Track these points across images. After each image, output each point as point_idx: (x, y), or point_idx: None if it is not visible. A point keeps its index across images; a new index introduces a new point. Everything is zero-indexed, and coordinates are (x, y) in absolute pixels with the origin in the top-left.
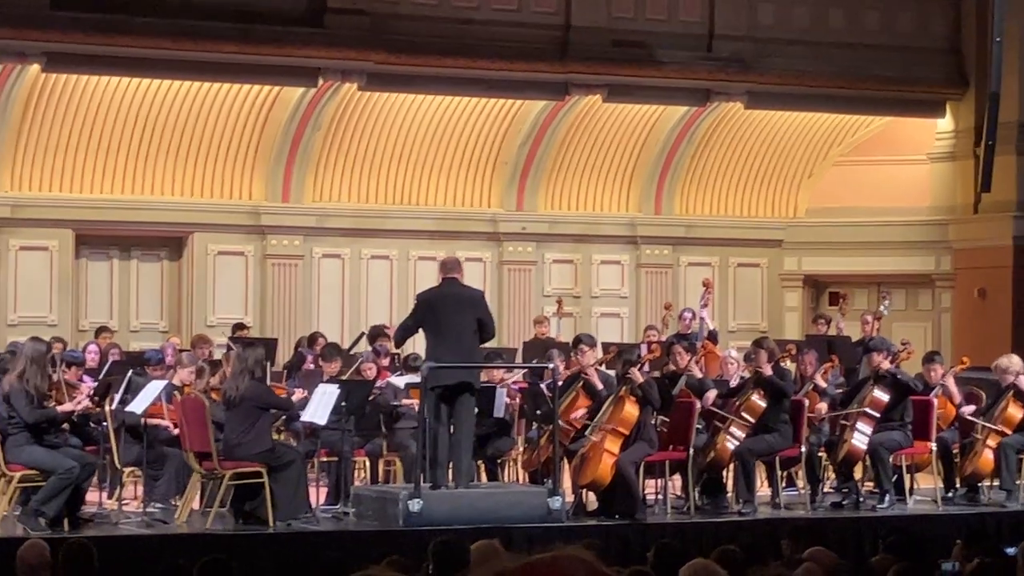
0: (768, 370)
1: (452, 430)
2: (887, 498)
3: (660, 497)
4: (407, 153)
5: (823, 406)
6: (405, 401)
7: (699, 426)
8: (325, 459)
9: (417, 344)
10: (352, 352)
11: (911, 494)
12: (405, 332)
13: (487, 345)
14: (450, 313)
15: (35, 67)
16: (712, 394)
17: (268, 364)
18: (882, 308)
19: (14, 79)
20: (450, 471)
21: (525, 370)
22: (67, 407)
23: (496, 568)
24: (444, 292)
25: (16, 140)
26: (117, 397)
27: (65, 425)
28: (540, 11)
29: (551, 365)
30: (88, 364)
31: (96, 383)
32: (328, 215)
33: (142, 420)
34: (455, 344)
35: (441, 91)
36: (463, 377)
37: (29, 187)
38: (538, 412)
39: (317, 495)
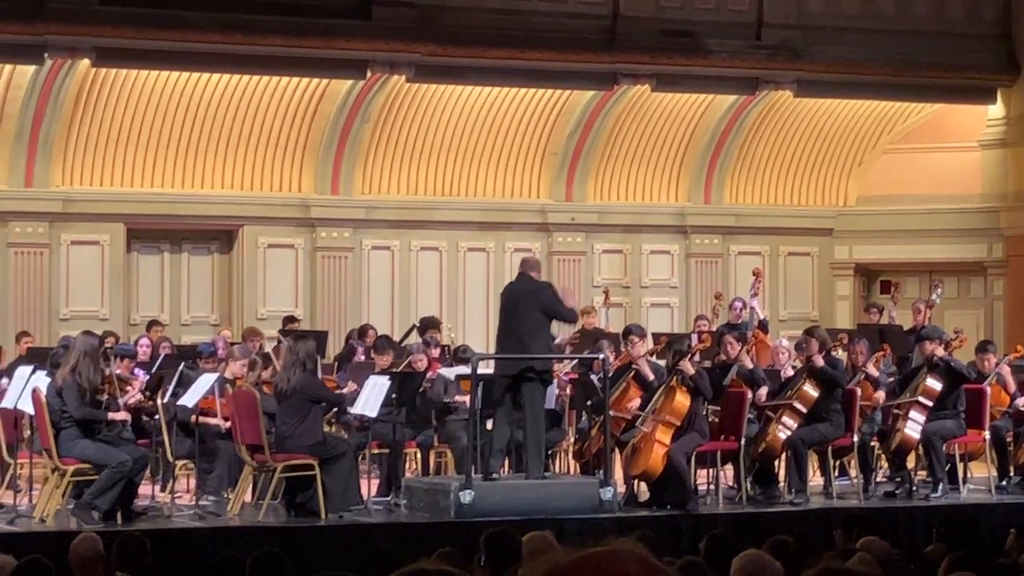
0: (820, 360)
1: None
2: (940, 487)
3: (712, 487)
4: (456, 144)
5: (880, 395)
6: (457, 397)
7: (751, 416)
8: (376, 451)
9: (467, 336)
10: (403, 344)
11: (964, 483)
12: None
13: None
14: (512, 307)
15: (85, 62)
16: (764, 391)
17: (319, 357)
18: (934, 296)
19: (64, 74)
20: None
21: (575, 361)
22: (117, 416)
23: (549, 561)
24: (511, 287)
25: (67, 135)
26: (169, 390)
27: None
28: (588, 1)
29: (601, 356)
30: (140, 358)
31: (148, 377)
32: (377, 207)
33: (193, 414)
34: (512, 337)
35: (489, 82)
36: (525, 367)
37: (80, 182)
38: (589, 403)
39: (369, 487)
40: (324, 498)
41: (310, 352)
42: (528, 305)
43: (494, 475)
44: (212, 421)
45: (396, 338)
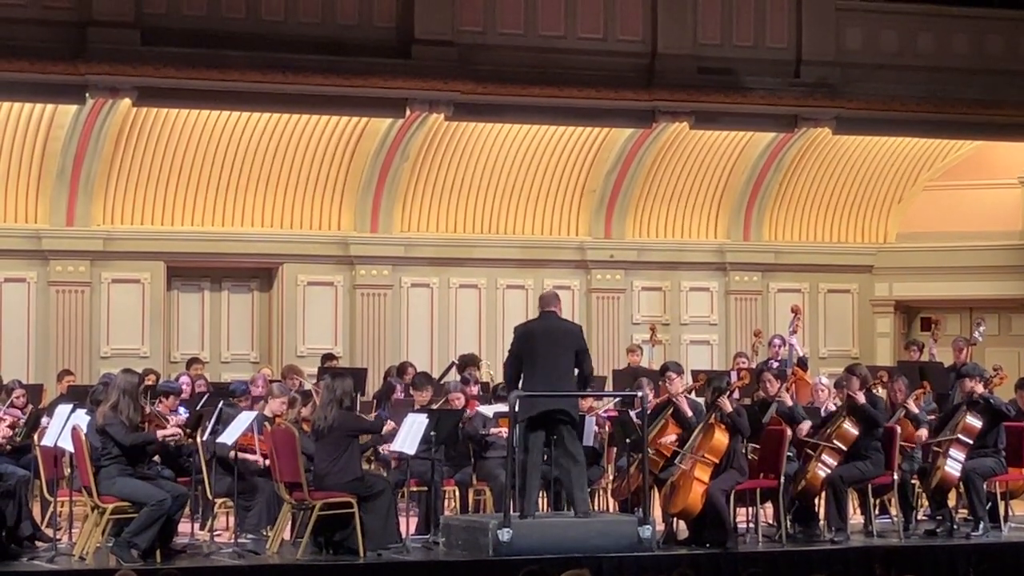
0: (860, 397)
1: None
2: (981, 525)
3: (751, 525)
4: (494, 182)
5: (923, 432)
6: (493, 430)
7: (790, 454)
8: (415, 489)
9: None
10: (443, 382)
11: (1006, 521)
12: (507, 371)
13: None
14: (546, 345)
15: (126, 101)
16: (806, 425)
17: (357, 394)
18: (976, 334)
19: (106, 114)
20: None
21: (615, 399)
22: (165, 432)
23: None
24: (542, 325)
25: (108, 174)
26: (208, 428)
27: (157, 457)
28: (626, 39)
29: (640, 393)
30: (183, 395)
31: (189, 414)
32: (416, 244)
33: (232, 452)
34: (550, 377)
35: (528, 120)
36: (559, 409)
37: (121, 220)
38: (628, 440)
39: (407, 525)
40: (363, 536)
41: (347, 390)
42: (565, 344)
43: (531, 514)
44: (251, 457)
45: (435, 375)
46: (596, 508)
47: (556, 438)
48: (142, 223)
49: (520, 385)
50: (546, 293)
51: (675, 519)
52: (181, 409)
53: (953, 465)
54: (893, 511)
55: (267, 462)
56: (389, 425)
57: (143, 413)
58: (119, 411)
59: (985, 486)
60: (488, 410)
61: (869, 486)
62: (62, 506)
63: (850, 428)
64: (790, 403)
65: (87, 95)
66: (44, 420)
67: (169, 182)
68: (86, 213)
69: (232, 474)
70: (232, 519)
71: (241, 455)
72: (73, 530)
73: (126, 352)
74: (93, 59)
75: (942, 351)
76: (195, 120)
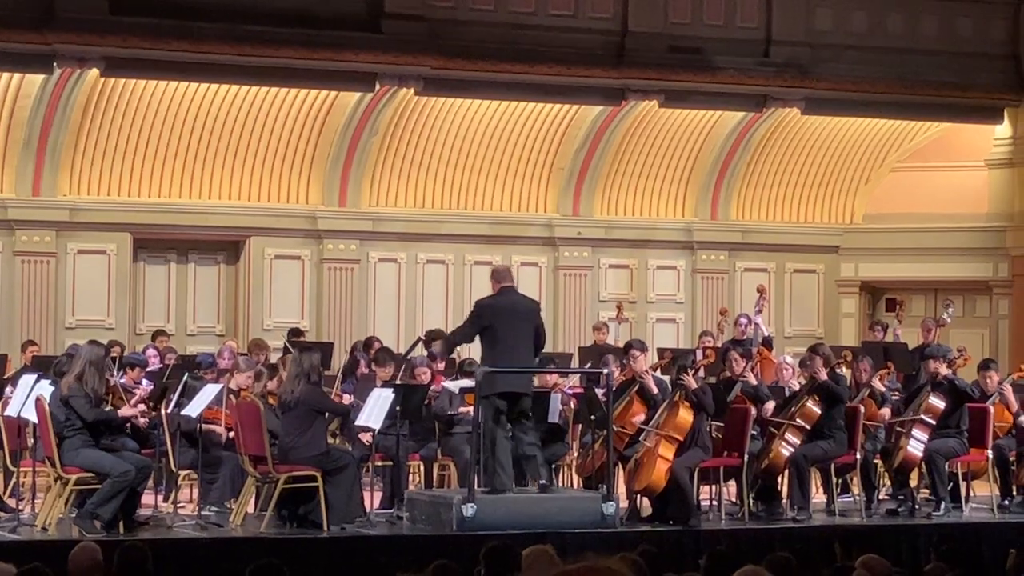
0: (824, 376)
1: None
2: (943, 506)
3: (714, 503)
4: (463, 158)
5: (887, 412)
6: (461, 409)
7: (754, 432)
8: (380, 463)
9: (473, 350)
10: (408, 357)
11: (967, 502)
12: (460, 340)
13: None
14: (510, 322)
15: (94, 72)
16: (771, 405)
17: (325, 368)
18: (945, 315)
19: (74, 83)
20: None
21: (580, 375)
22: (126, 412)
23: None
24: (506, 301)
25: (75, 144)
26: (173, 401)
27: (125, 425)
28: (597, 16)
29: (606, 370)
30: (149, 367)
31: (153, 387)
32: (384, 219)
33: (198, 424)
34: (512, 353)
35: (497, 96)
36: (522, 388)
37: (88, 191)
38: (592, 417)
39: (371, 499)
40: (327, 510)
41: (315, 364)
42: (529, 320)
43: (506, 489)
44: (217, 429)
45: (401, 351)
46: (560, 484)
47: (518, 413)
48: (109, 194)
49: (481, 361)
50: (501, 267)
51: (639, 496)
52: (145, 381)
53: (916, 445)
54: (855, 490)
55: (232, 435)
56: (347, 399)
57: (108, 385)
58: (84, 383)
59: (947, 466)
60: (454, 385)
61: (832, 465)
62: (25, 477)
63: (813, 407)
64: (755, 382)
65: (54, 65)
66: (8, 390)
67: (136, 153)
68: (52, 183)
69: (196, 447)
70: (196, 491)
71: (206, 426)
72: (36, 501)
73: (91, 323)
74: (61, 28)
75: (906, 332)
76: (163, 91)
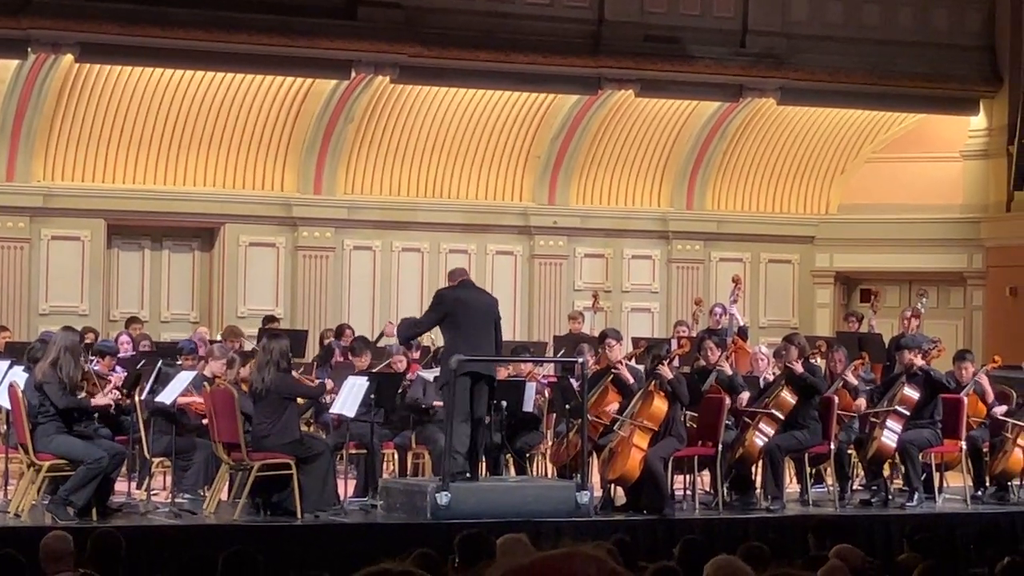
0: (798, 367)
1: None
2: (916, 496)
3: (688, 493)
4: (439, 146)
5: (861, 403)
6: (436, 404)
7: (728, 422)
8: (354, 451)
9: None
10: (381, 345)
11: (940, 492)
12: (421, 328)
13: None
14: (470, 312)
15: (69, 57)
16: (746, 396)
17: (293, 356)
18: (919, 306)
19: (48, 69)
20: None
21: (555, 364)
22: (99, 401)
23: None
24: (471, 295)
25: (49, 130)
26: (147, 388)
27: (96, 414)
28: (573, 5)
29: (581, 359)
30: (121, 354)
31: (126, 374)
32: (359, 207)
33: (173, 410)
34: (477, 343)
35: (474, 84)
36: (487, 372)
37: (62, 177)
38: (567, 406)
39: (345, 487)
40: (300, 498)
41: (284, 351)
42: (491, 314)
43: (468, 475)
44: (195, 401)
45: (373, 338)
46: (535, 473)
47: (478, 402)
48: (83, 180)
49: (445, 350)
50: (456, 268)
51: (613, 485)
52: (118, 369)
53: (890, 436)
54: (829, 480)
55: (205, 422)
56: (329, 384)
57: (82, 372)
58: (58, 369)
59: (921, 457)
60: (428, 374)
61: (806, 455)
62: None
63: (787, 397)
64: (729, 372)
65: (29, 50)
66: None
67: (111, 139)
68: (26, 169)
69: (170, 434)
70: (169, 479)
71: (181, 401)
72: (9, 487)
73: (65, 309)
74: (36, 13)
75: (881, 323)
76: (138, 77)
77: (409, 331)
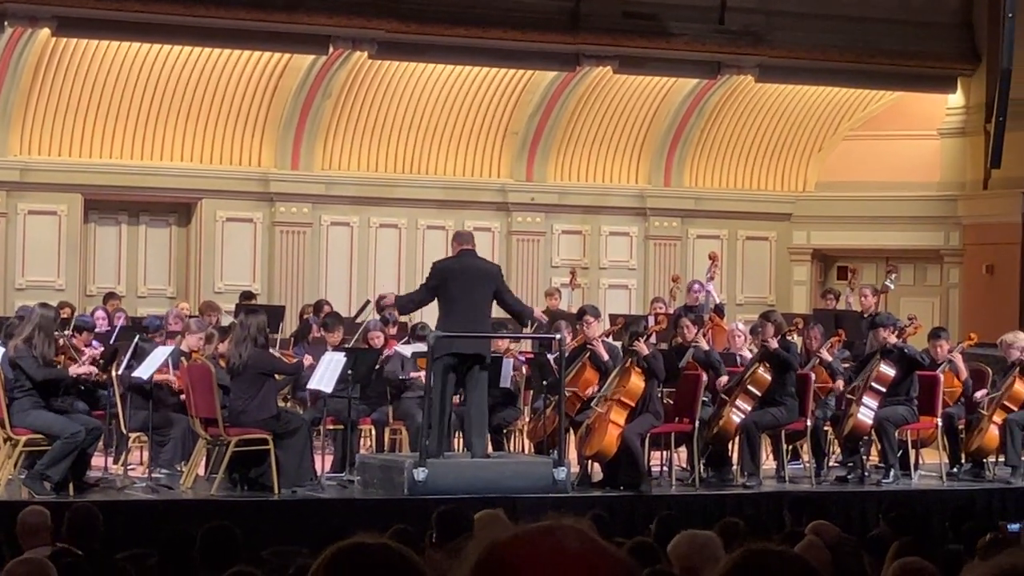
0: (774, 343)
1: (463, 402)
2: (892, 473)
3: (665, 469)
4: (417, 122)
5: (840, 384)
6: (413, 374)
7: (705, 399)
8: (331, 427)
9: (425, 314)
10: (358, 320)
11: (916, 469)
12: (416, 302)
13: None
14: (467, 285)
15: (45, 31)
16: (724, 379)
17: (270, 331)
18: (887, 283)
19: (24, 43)
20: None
21: (532, 340)
22: (76, 370)
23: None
24: (463, 264)
25: (26, 104)
26: (124, 363)
27: (73, 389)
28: None
29: (558, 336)
30: (97, 329)
31: (103, 348)
32: (337, 183)
33: (149, 386)
34: (467, 316)
35: (452, 60)
36: (474, 350)
37: (38, 151)
38: (544, 383)
39: (323, 463)
40: (277, 473)
41: (260, 326)
42: (483, 284)
43: (441, 453)
44: (171, 379)
45: (351, 314)
46: (512, 449)
47: (468, 380)
48: (60, 155)
49: (437, 324)
50: (462, 231)
51: (590, 461)
52: (95, 343)
53: (866, 413)
54: (805, 457)
55: (183, 397)
56: (308, 359)
57: (57, 347)
58: (33, 345)
59: (897, 434)
60: (406, 349)
61: (782, 432)
62: None
63: (764, 374)
64: (706, 348)
65: (5, 24)
66: None
67: (88, 114)
68: (3, 144)
69: (147, 409)
70: (146, 454)
71: (157, 378)
72: None
73: (42, 284)
74: None
75: (858, 300)
76: (115, 51)
77: (404, 305)
